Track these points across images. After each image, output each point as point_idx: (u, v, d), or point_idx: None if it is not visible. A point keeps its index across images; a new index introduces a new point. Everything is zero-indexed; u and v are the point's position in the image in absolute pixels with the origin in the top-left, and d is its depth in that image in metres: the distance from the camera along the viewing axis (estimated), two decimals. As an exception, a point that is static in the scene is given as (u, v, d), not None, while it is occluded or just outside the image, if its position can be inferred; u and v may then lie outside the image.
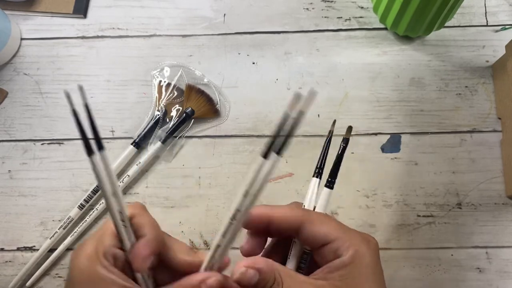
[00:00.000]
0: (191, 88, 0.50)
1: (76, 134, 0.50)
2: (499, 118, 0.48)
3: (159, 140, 0.49)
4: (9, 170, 0.50)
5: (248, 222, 0.30)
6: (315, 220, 0.30)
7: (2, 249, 0.49)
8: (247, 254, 0.32)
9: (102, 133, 0.50)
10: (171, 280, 0.31)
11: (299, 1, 0.53)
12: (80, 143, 0.50)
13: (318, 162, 0.35)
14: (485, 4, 0.52)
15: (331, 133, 0.35)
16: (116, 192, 0.27)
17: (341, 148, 0.34)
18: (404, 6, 0.45)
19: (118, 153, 0.49)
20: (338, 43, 0.52)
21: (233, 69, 0.52)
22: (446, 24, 0.50)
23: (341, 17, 0.52)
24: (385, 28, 0.52)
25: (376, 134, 0.49)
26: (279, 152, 0.25)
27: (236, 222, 0.27)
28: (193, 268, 0.32)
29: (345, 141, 0.34)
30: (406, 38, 0.51)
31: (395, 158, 0.48)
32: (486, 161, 0.47)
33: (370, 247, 0.29)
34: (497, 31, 0.51)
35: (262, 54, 0.52)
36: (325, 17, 0.53)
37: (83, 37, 0.54)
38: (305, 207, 0.33)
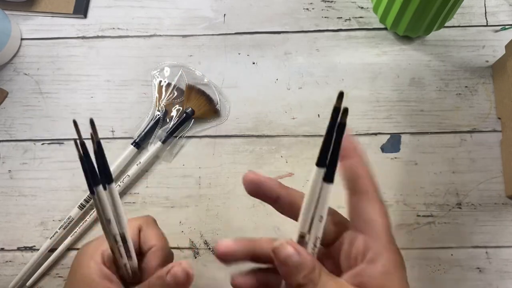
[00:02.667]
0: (191, 88, 0.50)
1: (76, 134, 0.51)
2: (499, 118, 0.48)
3: (159, 140, 0.49)
4: (9, 170, 0.50)
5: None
6: (373, 201, 0.27)
7: (2, 249, 0.49)
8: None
9: (102, 133, 0.51)
10: None
11: (299, 1, 0.53)
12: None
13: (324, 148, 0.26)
14: (485, 4, 0.52)
15: (338, 110, 0.25)
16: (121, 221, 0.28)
17: (337, 126, 0.25)
18: (404, 6, 0.45)
19: (118, 153, 0.49)
20: (338, 43, 0.52)
21: (233, 69, 0.52)
22: (446, 24, 0.50)
23: (341, 17, 0.52)
24: (385, 28, 0.52)
25: (376, 134, 0.49)
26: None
27: (317, 249, 0.26)
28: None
29: (343, 114, 0.25)
30: (406, 38, 0.51)
31: (395, 158, 0.48)
32: (486, 161, 0.47)
33: (401, 262, 0.27)
34: (497, 31, 0.51)
35: (262, 54, 0.52)
36: (325, 17, 0.53)
37: (83, 37, 0.54)
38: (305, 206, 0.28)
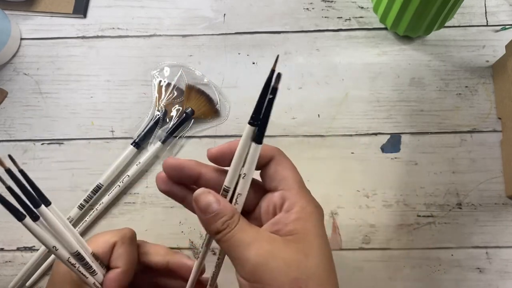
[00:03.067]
0: (191, 88, 0.50)
1: (76, 134, 0.51)
2: (499, 118, 0.48)
3: (159, 140, 0.49)
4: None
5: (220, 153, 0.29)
6: (282, 162, 0.29)
7: (2, 249, 0.49)
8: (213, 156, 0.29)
9: (102, 133, 0.51)
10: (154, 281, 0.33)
11: (299, 1, 0.53)
12: (80, 143, 0.50)
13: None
14: (485, 4, 0.52)
15: (273, 72, 0.26)
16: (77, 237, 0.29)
17: (271, 88, 0.26)
18: (404, 6, 0.45)
19: (118, 153, 0.49)
20: (338, 43, 0.52)
21: (233, 69, 0.52)
22: (446, 24, 0.50)
23: (341, 17, 0.52)
24: (385, 28, 0.52)
25: (376, 134, 0.49)
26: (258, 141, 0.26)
27: (238, 206, 0.28)
28: (171, 268, 0.33)
29: (275, 90, 0.26)
30: (406, 38, 0.51)
31: (395, 158, 0.48)
32: (486, 161, 0.47)
33: (319, 211, 0.29)
34: (497, 31, 0.51)
35: (262, 54, 0.52)
36: (325, 17, 0.53)
37: (83, 37, 0.54)
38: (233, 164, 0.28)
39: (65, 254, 0.28)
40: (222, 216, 0.26)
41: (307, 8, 0.53)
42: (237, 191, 0.28)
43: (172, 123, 0.49)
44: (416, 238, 0.46)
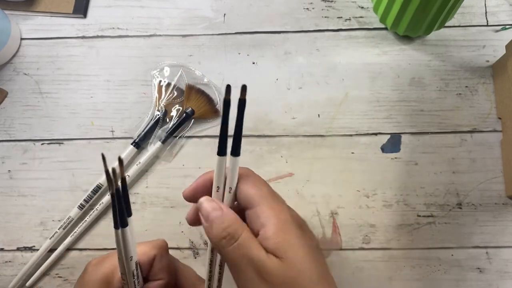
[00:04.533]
0: (191, 88, 0.50)
1: (76, 134, 0.51)
2: (499, 118, 0.48)
3: (159, 140, 0.49)
4: (9, 170, 0.50)
5: (195, 190, 0.30)
6: (246, 180, 0.29)
7: (2, 249, 0.48)
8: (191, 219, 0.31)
9: (102, 133, 0.51)
10: None
11: (299, 1, 0.53)
12: (80, 143, 0.50)
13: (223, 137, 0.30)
14: (485, 4, 0.52)
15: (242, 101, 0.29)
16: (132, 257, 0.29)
17: (238, 111, 0.30)
18: (404, 6, 0.45)
19: (118, 153, 0.49)
20: (338, 43, 0.52)
21: (233, 69, 0.52)
22: (446, 24, 0.50)
23: (341, 17, 0.52)
24: (385, 28, 0.51)
25: (376, 134, 0.49)
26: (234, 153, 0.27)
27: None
28: None
29: (242, 102, 0.29)
30: (406, 38, 0.51)
31: (395, 158, 0.48)
32: (486, 161, 0.47)
33: (293, 215, 0.29)
34: (497, 31, 0.51)
35: (262, 54, 0.52)
36: (325, 17, 0.53)
37: (83, 37, 0.54)
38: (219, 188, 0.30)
39: (133, 265, 0.28)
40: (223, 222, 0.27)
41: (307, 8, 0.53)
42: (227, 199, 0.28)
43: (172, 123, 0.49)
44: (416, 238, 0.46)
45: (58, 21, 0.54)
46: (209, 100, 0.50)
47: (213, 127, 0.50)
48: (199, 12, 0.54)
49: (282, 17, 0.53)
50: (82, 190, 0.49)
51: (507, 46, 0.47)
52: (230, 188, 0.28)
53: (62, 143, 0.51)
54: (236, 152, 0.27)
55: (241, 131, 0.27)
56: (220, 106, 0.50)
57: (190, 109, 0.49)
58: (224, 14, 0.53)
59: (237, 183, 0.29)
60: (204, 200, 0.28)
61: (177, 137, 0.50)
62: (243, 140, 0.49)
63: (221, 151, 0.28)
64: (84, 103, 0.52)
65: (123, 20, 0.54)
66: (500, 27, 0.51)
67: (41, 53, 0.53)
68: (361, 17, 0.52)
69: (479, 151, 0.48)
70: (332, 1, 0.53)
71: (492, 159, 0.47)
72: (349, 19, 0.52)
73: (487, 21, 0.51)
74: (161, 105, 0.50)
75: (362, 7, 0.53)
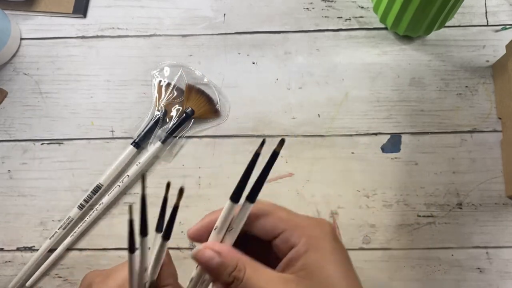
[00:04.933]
0: (191, 88, 0.50)
1: (76, 134, 0.51)
2: (499, 118, 0.48)
3: (159, 140, 0.48)
4: (9, 170, 0.50)
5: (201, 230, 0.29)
6: (261, 213, 0.28)
7: (2, 249, 0.48)
8: (194, 235, 0.30)
9: (102, 133, 0.51)
10: None
11: (299, 1, 0.53)
12: (80, 143, 0.50)
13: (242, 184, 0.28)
14: (485, 4, 0.52)
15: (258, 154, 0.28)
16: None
17: (269, 161, 0.28)
18: (405, 6, 0.45)
19: (118, 153, 0.49)
20: (338, 43, 0.52)
21: (233, 69, 0.52)
22: (446, 24, 0.50)
23: (341, 17, 0.52)
24: (385, 28, 0.51)
25: (376, 134, 0.49)
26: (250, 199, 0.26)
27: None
28: None
29: (275, 154, 0.28)
30: (406, 38, 0.51)
31: (395, 158, 0.48)
32: (486, 161, 0.47)
33: (323, 229, 0.28)
34: (497, 31, 0.51)
35: (262, 54, 0.52)
36: (325, 17, 0.53)
37: (83, 37, 0.54)
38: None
39: (146, 278, 0.28)
40: (226, 267, 0.26)
41: (307, 8, 0.53)
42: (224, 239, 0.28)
43: (172, 123, 0.49)
44: (416, 238, 0.46)
45: (58, 21, 0.54)
46: (209, 100, 0.50)
47: (213, 127, 0.50)
48: (199, 12, 0.54)
49: (282, 17, 0.53)
50: (82, 190, 0.49)
51: (507, 46, 0.47)
52: (232, 228, 0.27)
53: (62, 143, 0.51)
54: (253, 198, 0.26)
55: (265, 180, 0.26)
56: (220, 106, 0.50)
57: (190, 109, 0.49)
58: (224, 14, 0.53)
59: (259, 219, 0.28)
60: (197, 252, 0.27)
61: (177, 137, 0.50)
62: (243, 140, 0.49)
63: (235, 198, 0.26)
64: (84, 103, 0.52)
65: (123, 20, 0.54)
66: (500, 27, 0.51)
67: (41, 53, 0.53)
68: (361, 17, 0.52)
69: (479, 151, 0.48)
70: (332, 1, 0.53)
71: (492, 159, 0.47)
72: (349, 19, 0.52)
73: (487, 21, 0.51)
74: (161, 105, 0.50)
75: (362, 7, 0.53)
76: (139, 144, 0.49)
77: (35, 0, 0.54)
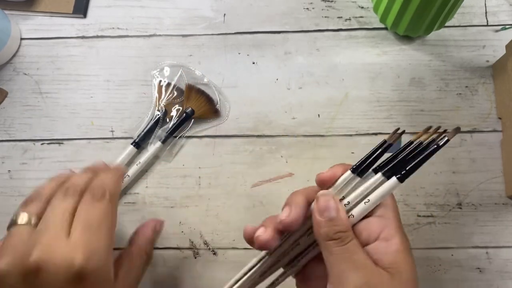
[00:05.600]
0: (191, 88, 0.50)
1: (76, 134, 0.51)
2: (499, 118, 0.48)
3: (159, 140, 0.49)
4: (9, 170, 0.50)
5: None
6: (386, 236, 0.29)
7: (2, 249, 0.48)
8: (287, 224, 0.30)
9: (102, 133, 0.51)
10: None
11: (299, 1, 0.53)
12: (79, 143, 0.50)
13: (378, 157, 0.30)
14: (485, 4, 0.52)
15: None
16: None
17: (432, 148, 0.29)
18: (405, 6, 0.45)
19: (118, 153, 0.49)
20: (338, 43, 0.52)
21: (233, 69, 0.52)
22: (446, 24, 0.50)
23: (341, 17, 0.52)
24: (385, 28, 0.51)
25: (376, 134, 0.49)
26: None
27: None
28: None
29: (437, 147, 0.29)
30: (406, 38, 0.51)
31: (395, 158, 0.48)
32: (486, 161, 0.47)
33: (409, 245, 0.29)
34: (497, 31, 0.51)
35: (262, 54, 0.52)
36: (325, 17, 0.53)
37: (83, 37, 0.54)
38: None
39: None
40: (336, 225, 0.27)
41: (307, 8, 0.53)
42: (353, 213, 0.29)
43: (172, 123, 0.49)
44: (416, 238, 0.46)
45: (58, 21, 0.54)
46: (209, 100, 0.50)
47: (213, 127, 0.50)
48: (199, 12, 0.54)
49: (282, 17, 0.53)
50: (82, 190, 0.49)
51: (507, 46, 0.47)
52: (368, 200, 0.28)
53: (62, 143, 0.51)
54: (403, 179, 0.28)
55: (420, 165, 0.28)
56: (220, 106, 0.50)
57: (190, 109, 0.49)
58: (224, 14, 0.53)
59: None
60: (324, 193, 0.28)
61: (177, 137, 0.50)
62: (243, 140, 0.50)
63: (404, 178, 0.28)
64: (84, 103, 0.52)
65: (123, 20, 0.54)
66: (500, 27, 0.51)
67: (41, 53, 0.53)
68: (361, 17, 0.52)
69: (479, 151, 0.48)
70: (332, 1, 0.53)
71: (492, 159, 0.47)
72: (349, 19, 0.52)
73: (487, 21, 0.51)
74: (161, 105, 0.50)
75: (362, 7, 0.53)
76: (139, 144, 0.49)
77: (35, 0, 0.54)
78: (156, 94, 0.51)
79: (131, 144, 0.49)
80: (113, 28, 0.54)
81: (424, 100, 0.49)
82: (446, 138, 0.28)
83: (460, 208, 0.46)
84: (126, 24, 0.54)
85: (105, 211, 0.29)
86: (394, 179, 0.28)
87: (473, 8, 0.52)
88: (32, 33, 0.54)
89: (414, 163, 0.28)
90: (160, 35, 0.53)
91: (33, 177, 0.50)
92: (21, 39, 0.54)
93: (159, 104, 0.50)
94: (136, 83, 0.52)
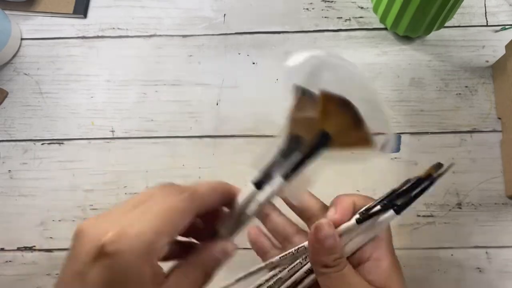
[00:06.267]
0: (329, 98, 0.30)
1: (76, 134, 0.51)
2: (499, 118, 0.48)
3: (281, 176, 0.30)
4: (9, 170, 0.50)
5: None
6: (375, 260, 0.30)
7: (2, 249, 0.48)
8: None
9: (102, 133, 0.51)
10: None
11: (299, 1, 0.53)
12: (79, 143, 0.50)
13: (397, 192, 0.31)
14: (485, 4, 0.52)
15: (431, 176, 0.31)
16: None
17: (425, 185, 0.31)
18: (404, 6, 0.45)
19: (118, 153, 0.49)
20: (338, 43, 0.52)
21: (233, 69, 0.52)
22: (446, 24, 0.50)
23: (341, 17, 0.52)
24: (385, 28, 0.52)
25: (376, 134, 0.49)
26: None
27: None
28: None
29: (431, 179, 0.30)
30: (406, 38, 0.51)
31: (395, 158, 0.48)
32: (486, 161, 0.47)
33: (400, 270, 0.30)
34: (497, 31, 0.51)
35: (262, 54, 0.52)
36: (325, 17, 0.53)
37: (83, 37, 0.54)
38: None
39: None
40: (335, 253, 0.28)
41: (307, 8, 0.53)
42: (353, 240, 0.29)
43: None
44: (416, 238, 0.46)
45: (58, 21, 0.54)
46: (357, 120, 0.30)
47: (213, 127, 0.50)
48: (199, 12, 0.54)
49: (282, 17, 0.53)
50: (82, 190, 0.49)
51: (507, 46, 0.47)
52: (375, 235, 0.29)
53: (62, 143, 0.51)
54: (400, 211, 0.29)
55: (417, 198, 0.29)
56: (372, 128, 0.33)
57: (326, 133, 0.30)
58: (224, 14, 0.53)
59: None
60: (325, 223, 0.29)
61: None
62: (243, 140, 0.50)
63: (400, 210, 0.29)
64: (84, 103, 0.52)
65: (123, 20, 0.54)
66: (500, 27, 0.51)
67: (41, 53, 0.53)
68: (361, 17, 0.52)
69: (479, 151, 0.48)
70: (332, 1, 0.53)
71: (492, 159, 0.47)
72: (349, 19, 0.52)
73: (487, 21, 0.51)
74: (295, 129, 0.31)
75: (362, 7, 0.53)
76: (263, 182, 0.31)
77: (36, 0, 0.54)
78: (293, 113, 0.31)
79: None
80: (113, 28, 0.54)
81: (424, 100, 0.49)
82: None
83: (460, 208, 0.46)
84: (126, 24, 0.54)
85: (175, 204, 0.26)
86: (391, 211, 0.29)
87: (473, 8, 0.52)
88: (32, 33, 0.54)
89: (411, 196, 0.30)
90: (160, 35, 0.53)
91: (33, 177, 0.50)
92: (22, 39, 0.54)
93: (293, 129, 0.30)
94: (136, 83, 0.52)
